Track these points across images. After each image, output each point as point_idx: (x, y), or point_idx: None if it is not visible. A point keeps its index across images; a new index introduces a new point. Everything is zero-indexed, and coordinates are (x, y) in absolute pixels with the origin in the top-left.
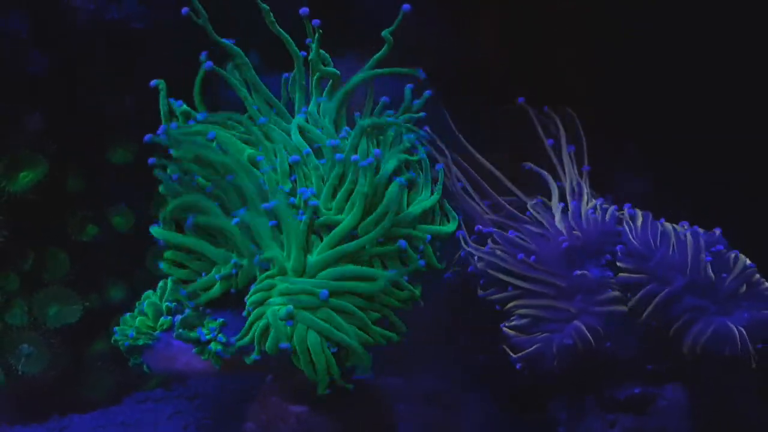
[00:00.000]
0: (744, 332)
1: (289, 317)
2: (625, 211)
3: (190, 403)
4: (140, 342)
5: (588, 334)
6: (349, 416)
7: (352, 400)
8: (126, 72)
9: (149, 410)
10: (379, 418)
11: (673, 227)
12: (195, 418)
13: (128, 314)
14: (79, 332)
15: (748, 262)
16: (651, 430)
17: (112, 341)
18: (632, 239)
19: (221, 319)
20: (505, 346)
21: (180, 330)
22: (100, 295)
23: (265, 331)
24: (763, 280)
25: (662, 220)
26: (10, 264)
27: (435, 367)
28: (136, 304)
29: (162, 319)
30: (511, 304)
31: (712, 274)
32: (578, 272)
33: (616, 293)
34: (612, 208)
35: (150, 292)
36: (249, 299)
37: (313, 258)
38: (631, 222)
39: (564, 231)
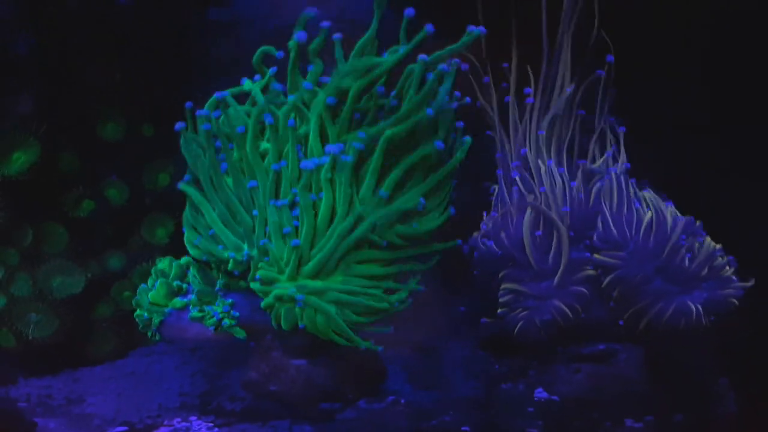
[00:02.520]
0: (700, 308)
1: (295, 300)
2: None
3: (192, 355)
4: (155, 318)
5: (567, 311)
6: (343, 365)
7: (346, 353)
8: (114, 48)
9: (155, 362)
10: (371, 365)
11: (648, 205)
12: (200, 368)
13: (143, 287)
14: (83, 298)
15: (713, 247)
16: (610, 375)
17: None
18: (610, 227)
19: (231, 299)
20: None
21: (195, 305)
22: (100, 264)
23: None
24: (725, 263)
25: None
26: (9, 240)
27: (419, 319)
28: (150, 276)
29: (175, 299)
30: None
31: (678, 262)
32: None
33: (591, 272)
34: (595, 186)
35: (159, 266)
36: (258, 281)
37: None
38: (609, 202)
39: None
